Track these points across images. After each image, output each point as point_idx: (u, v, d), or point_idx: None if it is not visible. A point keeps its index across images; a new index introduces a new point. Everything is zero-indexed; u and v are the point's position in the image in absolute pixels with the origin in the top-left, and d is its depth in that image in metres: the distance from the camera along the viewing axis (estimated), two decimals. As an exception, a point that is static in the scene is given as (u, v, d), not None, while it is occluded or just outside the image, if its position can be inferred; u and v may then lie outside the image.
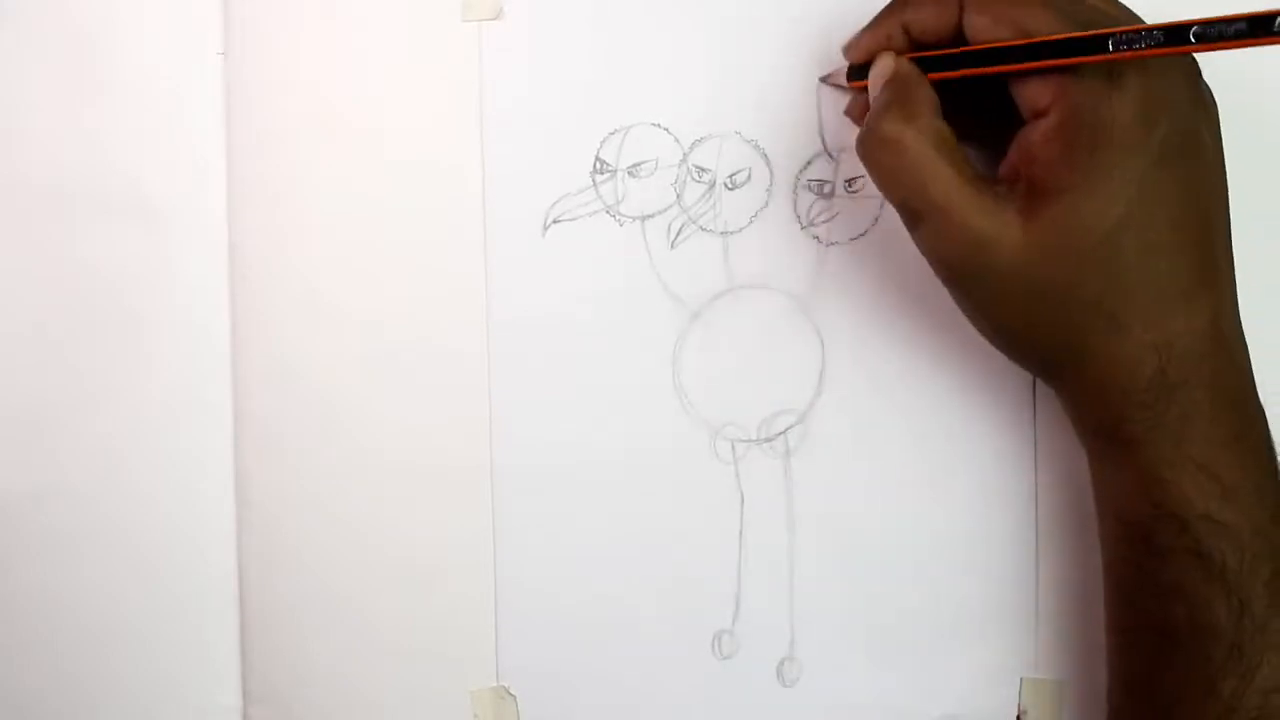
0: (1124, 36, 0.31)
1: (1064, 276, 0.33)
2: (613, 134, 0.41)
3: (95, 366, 0.41)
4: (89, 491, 0.42)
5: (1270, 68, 0.39)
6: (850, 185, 0.40)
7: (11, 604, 0.42)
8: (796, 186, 0.41)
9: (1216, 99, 0.35)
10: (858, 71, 0.37)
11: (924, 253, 0.35)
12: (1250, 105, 0.37)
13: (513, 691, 0.41)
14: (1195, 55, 0.34)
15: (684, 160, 0.41)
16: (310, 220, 0.41)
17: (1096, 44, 0.31)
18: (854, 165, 0.40)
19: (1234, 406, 0.34)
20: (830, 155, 0.40)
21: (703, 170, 0.41)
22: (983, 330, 0.36)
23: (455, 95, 0.41)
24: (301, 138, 0.41)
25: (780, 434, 0.41)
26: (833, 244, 0.41)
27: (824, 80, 0.40)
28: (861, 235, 0.41)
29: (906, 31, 0.35)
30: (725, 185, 0.41)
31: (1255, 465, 0.34)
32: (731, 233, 0.41)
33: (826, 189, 0.41)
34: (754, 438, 0.41)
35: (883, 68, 0.36)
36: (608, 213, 0.41)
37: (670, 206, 0.41)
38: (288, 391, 0.41)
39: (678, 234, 0.41)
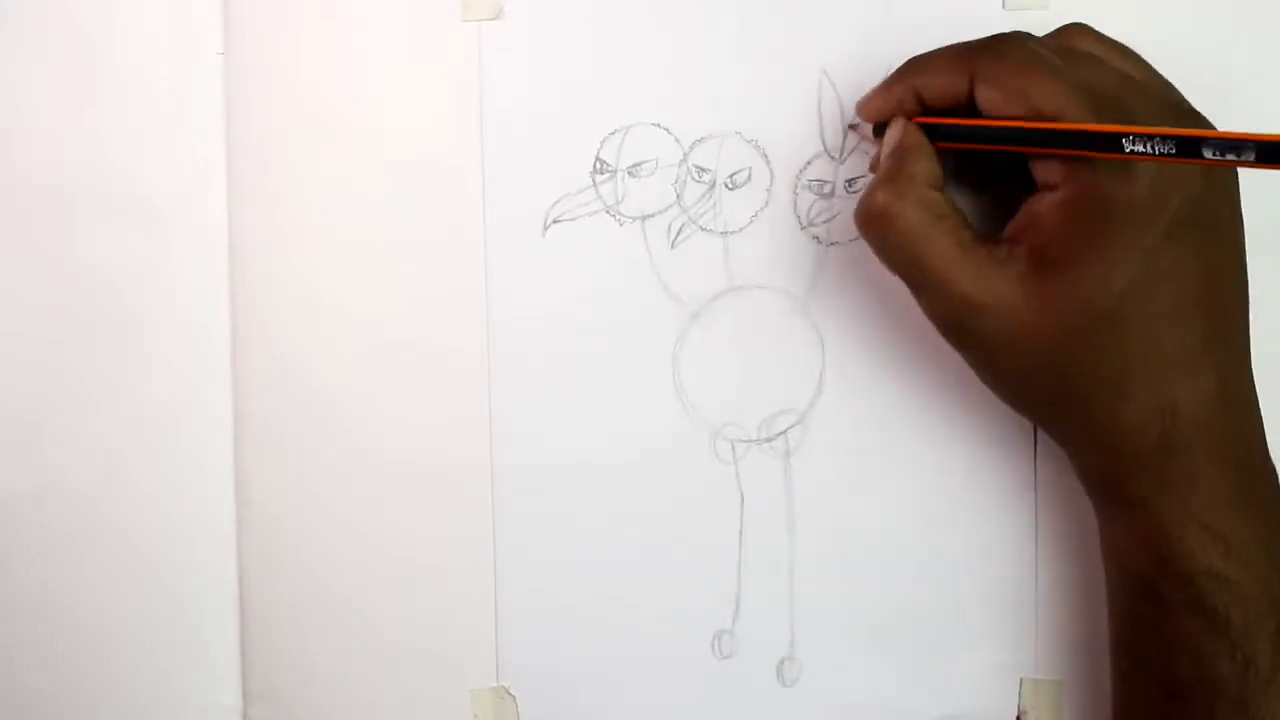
0: (1137, 139, 0.31)
1: (1065, 342, 0.33)
2: (613, 134, 0.41)
3: (95, 366, 0.41)
4: (89, 491, 0.42)
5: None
6: (850, 185, 0.40)
7: (11, 604, 0.42)
8: (796, 186, 0.41)
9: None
10: (881, 128, 0.37)
11: (926, 315, 0.35)
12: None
13: (513, 691, 0.41)
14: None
15: (684, 160, 0.41)
16: (310, 220, 0.41)
17: (1109, 140, 0.31)
18: (854, 165, 0.40)
19: (1241, 467, 0.34)
20: (830, 155, 0.40)
21: (703, 170, 0.41)
22: (989, 385, 0.36)
23: (455, 95, 0.41)
24: (301, 138, 0.41)
25: (780, 434, 0.41)
26: (833, 244, 0.41)
27: (851, 129, 0.40)
28: (861, 235, 0.41)
29: (918, 95, 0.35)
30: (725, 185, 0.41)
31: (1262, 522, 0.34)
32: (731, 233, 0.41)
33: (826, 189, 0.41)
34: (754, 438, 0.41)
35: (892, 134, 0.36)
36: (608, 213, 0.41)
37: (670, 206, 0.41)
38: (288, 391, 0.41)
39: (678, 234, 0.41)
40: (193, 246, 0.41)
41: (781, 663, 0.41)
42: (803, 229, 0.41)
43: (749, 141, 0.41)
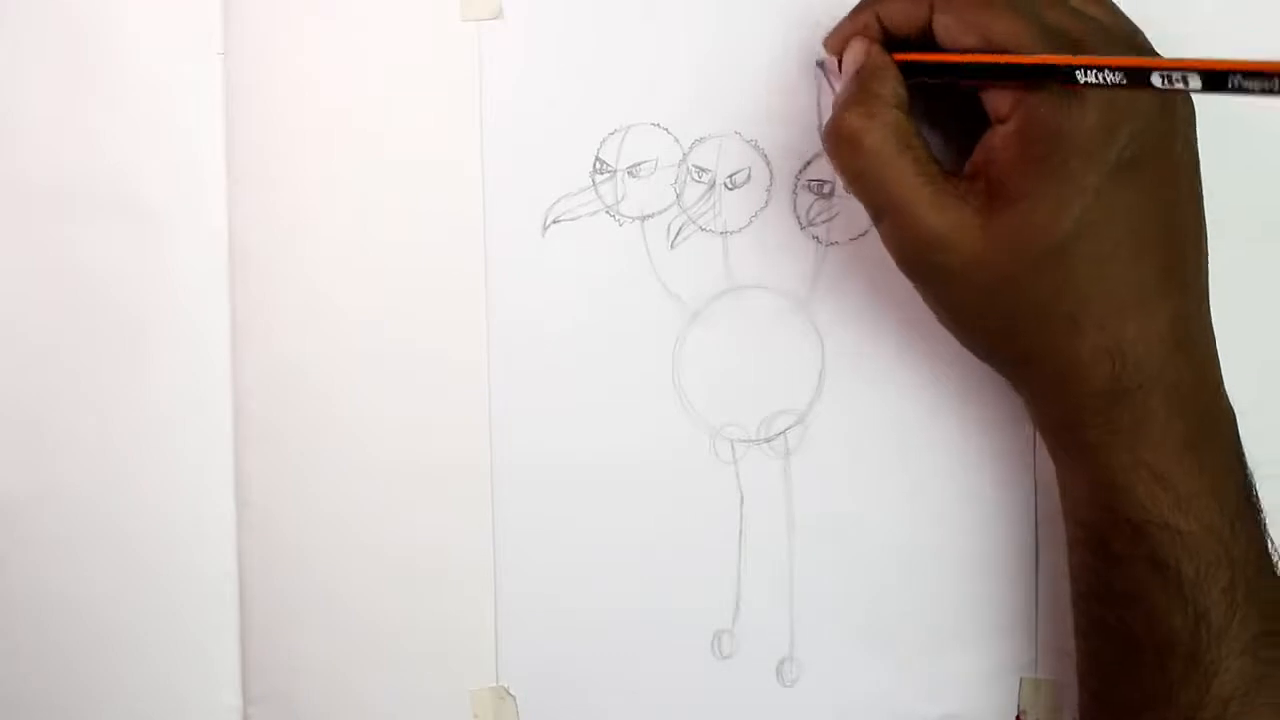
0: (1088, 70, 0.31)
1: (1019, 278, 0.33)
2: (612, 134, 0.41)
3: (95, 367, 0.41)
4: (89, 492, 0.42)
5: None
6: (850, 185, 0.40)
7: (11, 604, 0.42)
8: (796, 186, 0.41)
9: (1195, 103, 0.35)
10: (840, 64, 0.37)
11: (886, 246, 0.35)
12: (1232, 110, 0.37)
13: (513, 691, 0.41)
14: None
15: (684, 160, 0.41)
16: (310, 220, 0.41)
17: (1061, 73, 0.32)
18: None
19: (1193, 412, 0.33)
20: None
21: (703, 170, 0.41)
22: (945, 325, 0.36)
23: (455, 95, 0.41)
24: (301, 138, 0.41)
25: (780, 434, 0.41)
26: (832, 244, 0.41)
27: (819, 65, 0.40)
28: (861, 235, 0.41)
29: (881, 23, 0.36)
30: (725, 185, 0.41)
31: (1215, 471, 0.33)
32: (731, 233, 0.41)
33: (826, 189, 0.41)
34: (754, 438, 0.41)
35: (854, 53, 0.36)
36: (607, 213, 0.41)
37: (670, 206, 0.41)
38: (288, 391, 0.41)
39: (677, 234, 0.41)
40: (193, 246, 0.41)
41: (781, 663, 0.41)
42: (802, 229, 0.41)
43: (749, 141, 0.41)
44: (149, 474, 0.42)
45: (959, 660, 0.41)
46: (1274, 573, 0.34)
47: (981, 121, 0.35)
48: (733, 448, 0.41)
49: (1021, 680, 0.41)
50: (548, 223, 0.41)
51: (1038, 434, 0.40)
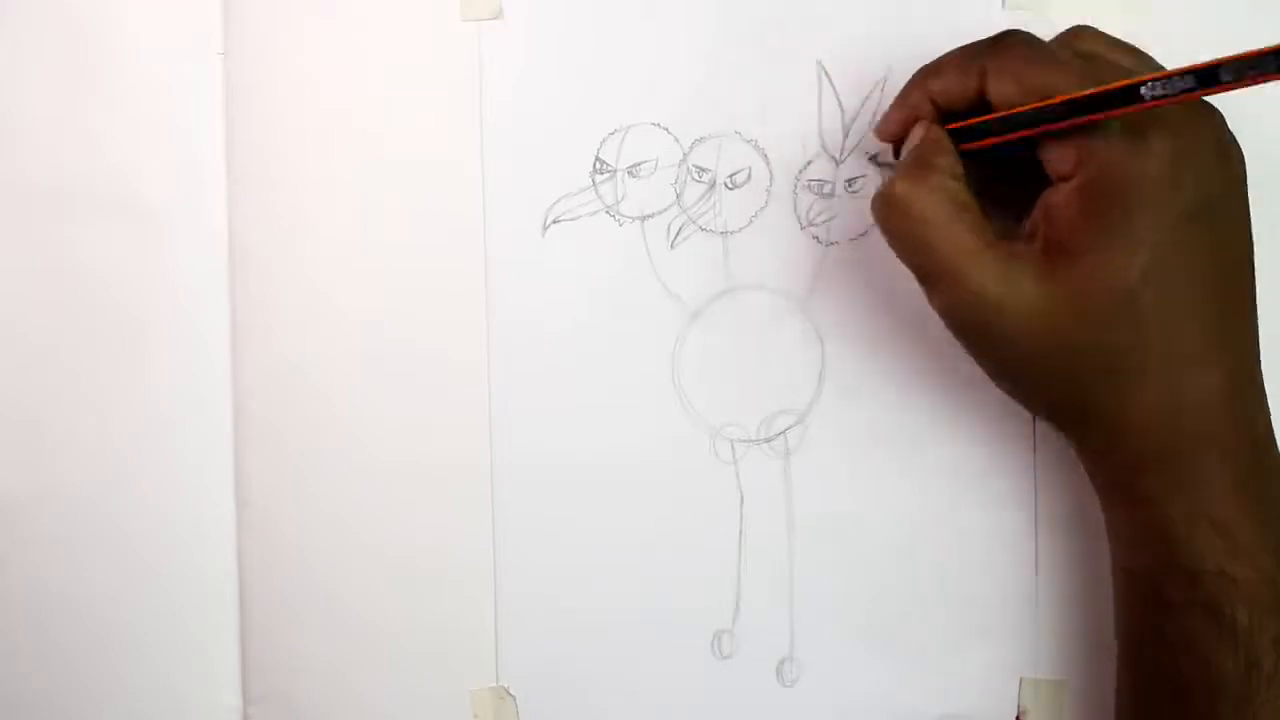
0: (1154, 84, 0.30)
1: (1079, 336, 0.33)
2: (612, 134, 0.41)
3: (95, 367, 0.41)
4: (89, 492, 0.42)
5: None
6: (850, 185, 0.40)
7: (11, 604, 0.42)
8: (796, 186, 0.41)
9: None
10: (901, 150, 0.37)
11: (938, 312, 0.35)
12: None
13: (513, 691, 0.41)
14: (1219, 109, 0.34)
15: (684, 160, 0.41)
16: (310, 220, 0.41)
17: (1124, 97, 0.31)
18: (854, 165, 0.40)
19: (1249, 464, 0.34)
20: (830, 155, 0.40)
21: (702, 170, 0.41)
22: (998, 383, 0.36)
23: (455, 95, 0.41)
24: (301, 138, 0.41)
25: (780, 434, 0.41)
26: (832, 244, 0.41)
27: (872, 160, 0.40)
28: (861, 235, 0.41)
29: (934, 103, 0.35)
30: (725, 185, 0.41)
31: (1270, 520, 0.33)
32: (731, 233, 0.41)
33: (826, 189, 0.41)
34: (754, 438, 0.41)
35: (914, 136, 0.35)
36: (607, 213, 0.41)
37: (670, 206, 0.41)
38: (288, 391, 0.41)
39: (677, 234, 0.41)
40: (193, 246, 0.41)
41: (781, 663, 0.41)
42: (802, 229, 0.41)
43: (749, 141, 0.41)
44: (149, 474, 0.42)
45: (959, 660, 0.41)
46: None
47: (1039, 187, 0.34)
48: (733, 448, 0.41)
49: (1021, 680, 0.41)
50: (548, 223, 0.41)
51: (1038, 434, 0.40)
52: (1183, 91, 0.30)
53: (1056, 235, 0.33)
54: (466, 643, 0.41)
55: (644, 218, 0.41)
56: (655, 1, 0.41)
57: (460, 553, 0.41)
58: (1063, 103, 0.32)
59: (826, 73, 0.40)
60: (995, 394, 0.40)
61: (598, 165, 0.41)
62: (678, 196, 0.41)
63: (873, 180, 0.40)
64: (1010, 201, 0.36)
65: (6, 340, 0.42)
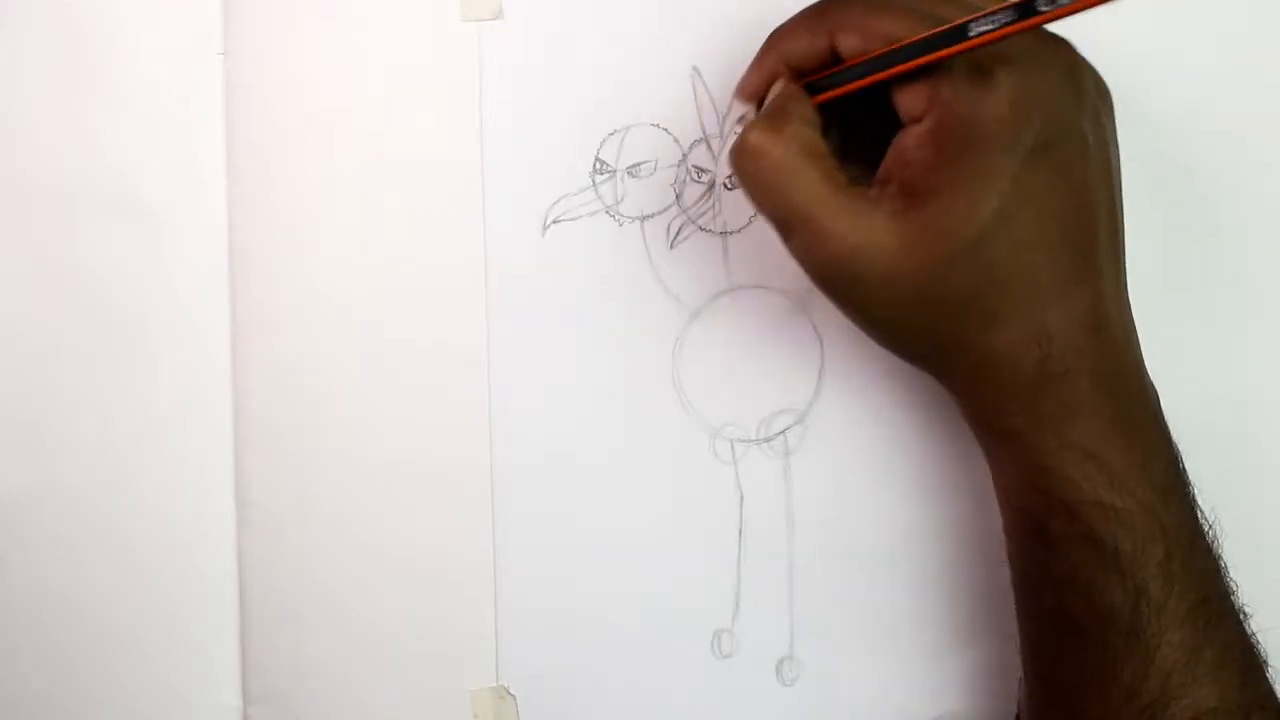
0: (980, 22, 0.31)
1: (938, 277, 0.33)
2: (612, 134, 0.41)
3: (95, 366, 0.41)
4: (89, 492, 0.42)
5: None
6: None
7: (11, 604, 0.42)
8: (796, 186, 0.41)
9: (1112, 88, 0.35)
10: None
11: (798, 261, 0.35)
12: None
13: (513, 691, 0.41)
14: (1077, 46, 0.34)
15: (683, 160, 0.41)
16: (310, 220, 0.41)
17: (954, 36, 0.31)
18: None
19: (1118, 391, 0.34)
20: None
21: (702, 170, 0.41)
22: (866, 332, 0.36)
23: (455, 95, 0.41)
24: (301, 138, 0.41)
25: (780, 434, 0.41)
26: (832, 244, 0.41)
27: (740, 123, 0.40)
28: (861, 235, 0.41)
29: (788, 64, 0.35)
30: (725, 185, 0.41)
31: (1144, 448, 0.34)
32: (731, 233, 0.41)
33: (826, 189, 0.41)
34: (754, 437, 0.41)
35: (771, 92, 0.36)
36: (607, 213, 0.41)
37: (670, 206, 0.41)
38: (288, 391, 0.41)
39: (677, 234, 0.41)
40: (193, 247, 0.41)
41: (781, 662, 0.41)
42: (802, 229, 0.41)
43: (749, 141, 0.41)
44: (149, 474, 0.42)
45: (959, 660, 0.41)
46: (1206, 542, 0.34)
47: (892, 131, 0.34)
48: (732, 447, 0.41)
49: (1021, 680, 0.41)
50: (548, 223, 0.41)
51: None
52: (1005, 25, 0.30)
53: (909, 177, 0.33)
54: (466, 643, 0.41)
55: (644, 218, 0.41)
56: (655, 1, 0.41)
57: (460, 553, 0.41)
58: (900, 48, 0.33)
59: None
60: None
61: (598, 165, 0.41)
62: (677, 196, 0.41)
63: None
64: (872, 154, 0.36)
65: (6, 340, 0.42)
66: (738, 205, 0.41)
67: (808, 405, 0.41)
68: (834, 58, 0.34)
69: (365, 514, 0.41)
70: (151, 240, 0.41)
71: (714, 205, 0.41)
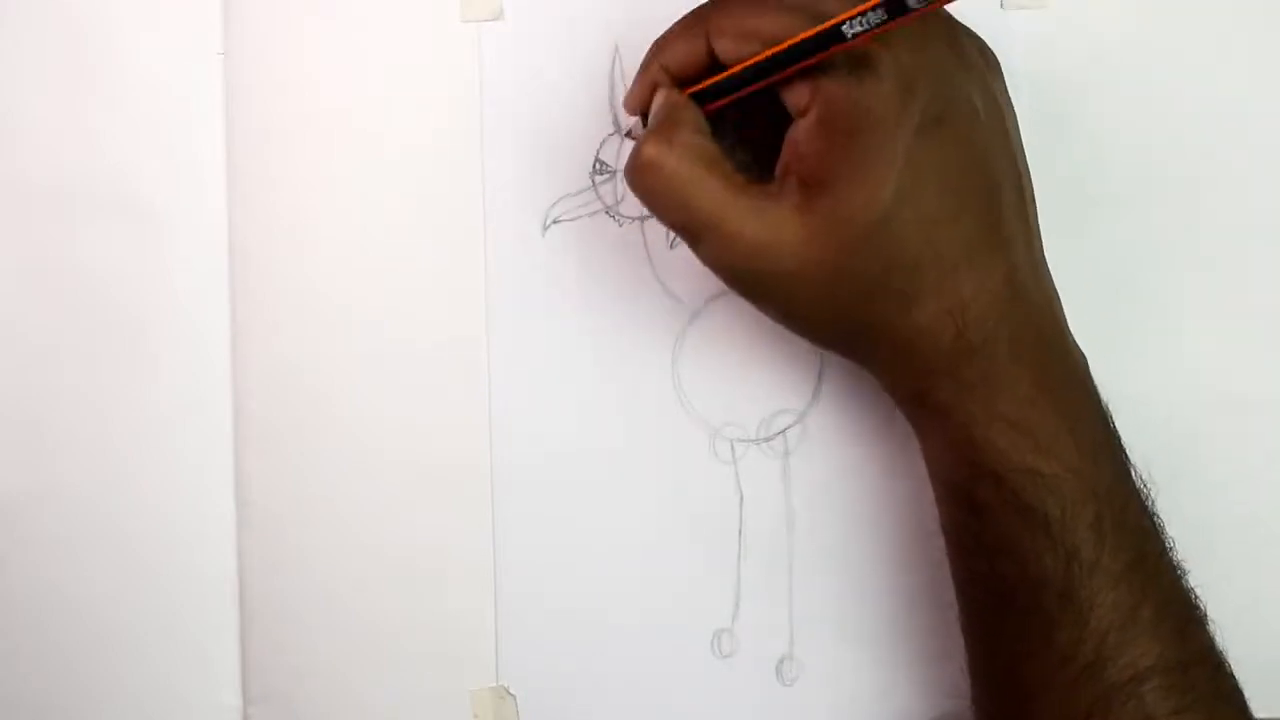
0: (853, 22, 0.31)
1: (847, 263, 0.33)
2: (612, 134, 0.41)
3: (95, 366, 0.41)
4: (89, 492, 0.42)
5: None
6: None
7: (11, 604, 0.42)
8: (796, 186, 0.41)
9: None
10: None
11: (710, 267, 0.35)
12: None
13: (513, 691, 0.41)
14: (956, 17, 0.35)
15: (684, 160, 0.41)
16: (310, 220, 0.41)
17: (830, 38, 0.32)
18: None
19: (1041, 357, 0.34)
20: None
21: (702, 170, 0.41)
22: (784, 325, 0.36)
23: (455, 95, 0.41)
24: (301, 138, 0.41)
25: (780, 434, 0.41)
26: (832, 244, 0.41)
27: (628, 135, 0.40)
28: (861, 235, 0.41)
29: (669, 72, 0.35)
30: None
31: (1070, 411, 0.34)
32: (731, 233, 0.41)
33: (826, 189, 0.41)
34: (753, 437, 0.41)
35: (654, 104, 0.36)
36: (607, 213, 0.41)
37: (670, 206, 0.41)
38: (288, 391, 0.41)
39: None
40: (193, 247, 0.41)
41: (781, 662, 0.41)
42: (802, 229, 0.41)
43: (748, 141, 0.41)
44: (149, 474, 0.42)
45: (959, 660, 0.41)
46: (1140, 501, 0.34)
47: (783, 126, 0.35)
48: (732, 447, 0.41)
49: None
50: (548, 223, 0.41)
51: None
52: (880, 25, 0.31)
53: (804, 170, 0.33)
54: (466, 643, 0.41)
55: (644, 218, 0.41)
56: (655, 1, 0.41)
57: (460, 553, 0.41)
58: (780, 53, 0.33)
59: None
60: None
61: (598, 166, 0.41)
62: (677, 196, 0.41)
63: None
64: (769, 149, 0.36)
65: (6, 340, 0.42)
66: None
67: (808, 405, 0.41)
68: (712, 62, 0.35)
69: (365, 514, 0.41)
70: (151, 240, 0.41)
71: (714, 205, 0.41)
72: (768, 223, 0.33)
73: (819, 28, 0.32)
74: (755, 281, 0.35)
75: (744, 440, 0.41)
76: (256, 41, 0.41)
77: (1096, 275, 0.40)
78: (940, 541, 0.41)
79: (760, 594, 0.41)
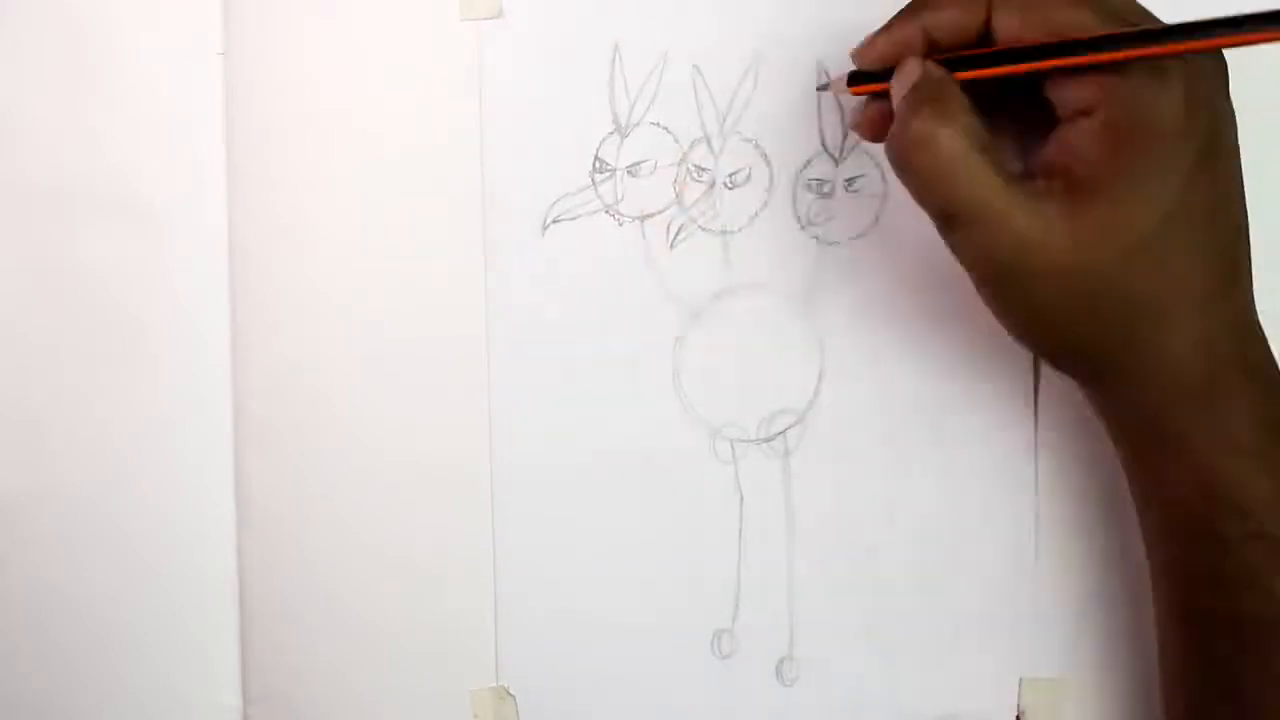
0: (1184, 26, 0.30)
1: (1114, 274, 0.32)
2: (612, 133, 0.41)
3: (95, 366, 0.42)
4: (89, 492, 0.42)
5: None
6: (850, 185, 0.40)
7: (11, 604, 0.42)
8: (796, 186, 0.41)
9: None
10: (863, 77, 0.35)
11: (961, 258, 0.34)
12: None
13: (513, 691, 0.41)
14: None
15: (683, 160, 0.41)
16: (310, 220, 0.41)
17: (1150, 37, 0.31)
18: (854, 165, 0.40)
19: (1271, 390, 0.34)
20: (830, 154, 0.40)
21: (702, 170, 0.41)
22: (1019, 332, 0.35)
23: (455, 95, 0.41)
24: (301, 138, 0.41)
25: (780, 434, 0.41)
26: (832, 244, 0.41)
27: (822, 89, 0.40)
28: (861, 235, 0.41)
29: (926, 35, 0.34)
30: (725, 185, 0.41)
31: None
32: (731, 232, 0.41)
33: (826, 188, 0.41)
34: (753, 437, 0.41)
35: (909, 71, 0.34)
36: (607, 212, 0.41)
37: (670, 206, 0.41)
38: (288, 391, 0.41)
39: (677, 234, 0.41)
40: (193, 247, 0.41)
41: (781, 662, 0.41)
42: (802, 229, 0.41)
43: (748, 141, 0.41)
44: (149, 474, 0.42)
45: (959, 660, 0.41)
46: None
47: (1030, 127, 0.34)
48: (732, 448, 0.41)
49: (1021, 680, 0.41)
50: (548, 222, 0.41)
51: (1038, 433, 0.40)
52: (1207, 39, 0.30)
53: (1080, 173, 0.32)
54: (466, 643, 0.41)
55: (644, 217, 0.41)
56: (655, 1, 0.41)
57: (460, 553, 0.41)
58: (1089, 39, 0.32)
59: (827, 73, 0.40)
60: (995, 393, 0.40)
61: (597, 165, 0.41)
62: (677, 196, 0.41)
63: (873, 179, 0.40)
64: (1009, 137, 0.35)
65: (6, 340, 0.42)
66: (738, 205, 0.41)
67: (808, 405, 0.41)
68: (980, 38, 0.33)
69: (365, 514, 0.41)
70: (151, 240, 0.41)
71: (714, 205, 0.41)
72: (1039, 219, 0.32)
73: (1138, 29, 0.31)
74: (1015, 279, 0.33)
75: (744, 440, 0.41)
76: (256, 41, 0.41)
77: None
78: (940, 541, 0.41)
79: (760, 594, 0.41)
